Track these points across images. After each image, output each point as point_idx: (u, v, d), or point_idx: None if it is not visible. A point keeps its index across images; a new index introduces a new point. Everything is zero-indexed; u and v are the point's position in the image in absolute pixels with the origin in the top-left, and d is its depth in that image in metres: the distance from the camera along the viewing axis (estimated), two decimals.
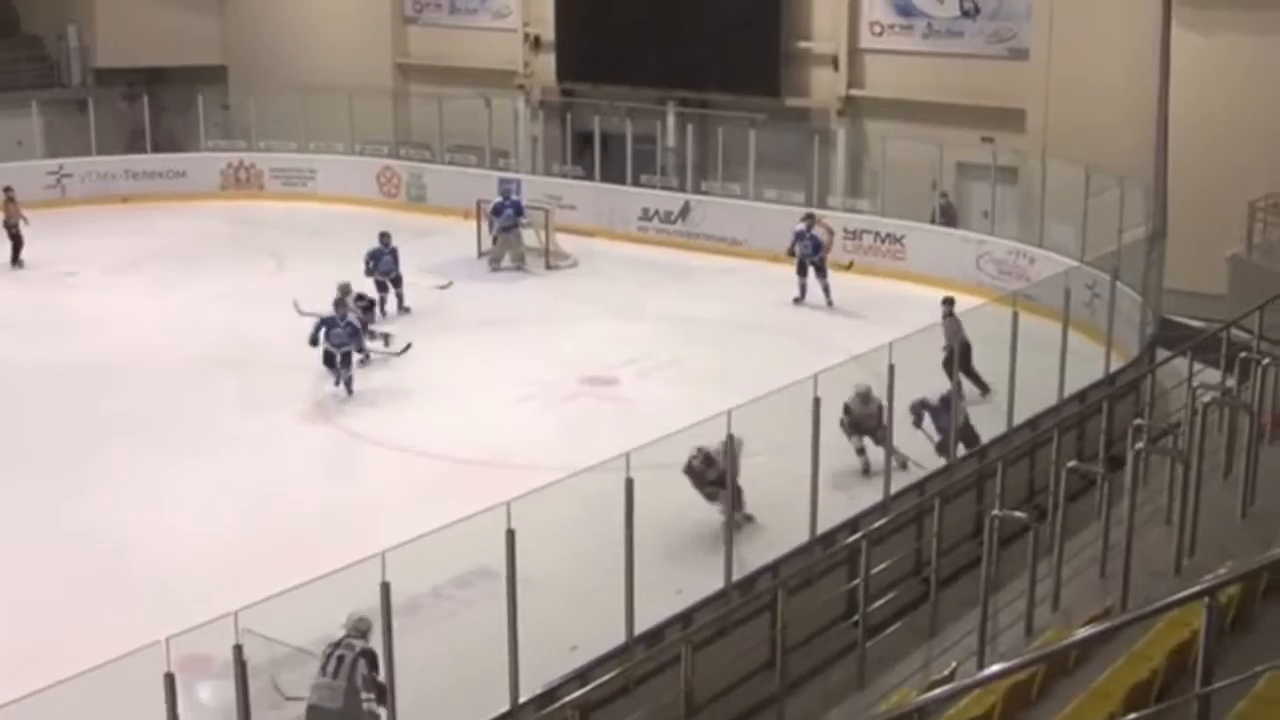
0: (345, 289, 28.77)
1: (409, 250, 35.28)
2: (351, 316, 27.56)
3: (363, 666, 14.49)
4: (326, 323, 27.12)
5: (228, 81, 47.07)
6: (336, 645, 14.64)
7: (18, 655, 17.58)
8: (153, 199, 43.05)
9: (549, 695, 14.51)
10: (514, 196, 37.41)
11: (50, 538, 21.75)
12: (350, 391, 27.06)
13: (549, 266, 36.29)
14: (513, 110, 43.40)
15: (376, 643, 13.89)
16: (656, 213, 38.93)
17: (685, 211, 38.42)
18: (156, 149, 44.71)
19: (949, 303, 24.37)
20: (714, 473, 19.04)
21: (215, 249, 38.25)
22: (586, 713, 14.10)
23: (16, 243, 36.84)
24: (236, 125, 45.63)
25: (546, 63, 43.02)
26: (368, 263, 32.31)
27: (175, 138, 45.47)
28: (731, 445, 17.78)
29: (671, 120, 40.49)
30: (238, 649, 12.28)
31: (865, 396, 20.77)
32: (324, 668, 14.54)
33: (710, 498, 19.15)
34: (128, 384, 28.03)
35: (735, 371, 26.26)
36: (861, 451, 21.41)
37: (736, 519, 18.43)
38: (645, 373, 28.15)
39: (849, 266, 31.58)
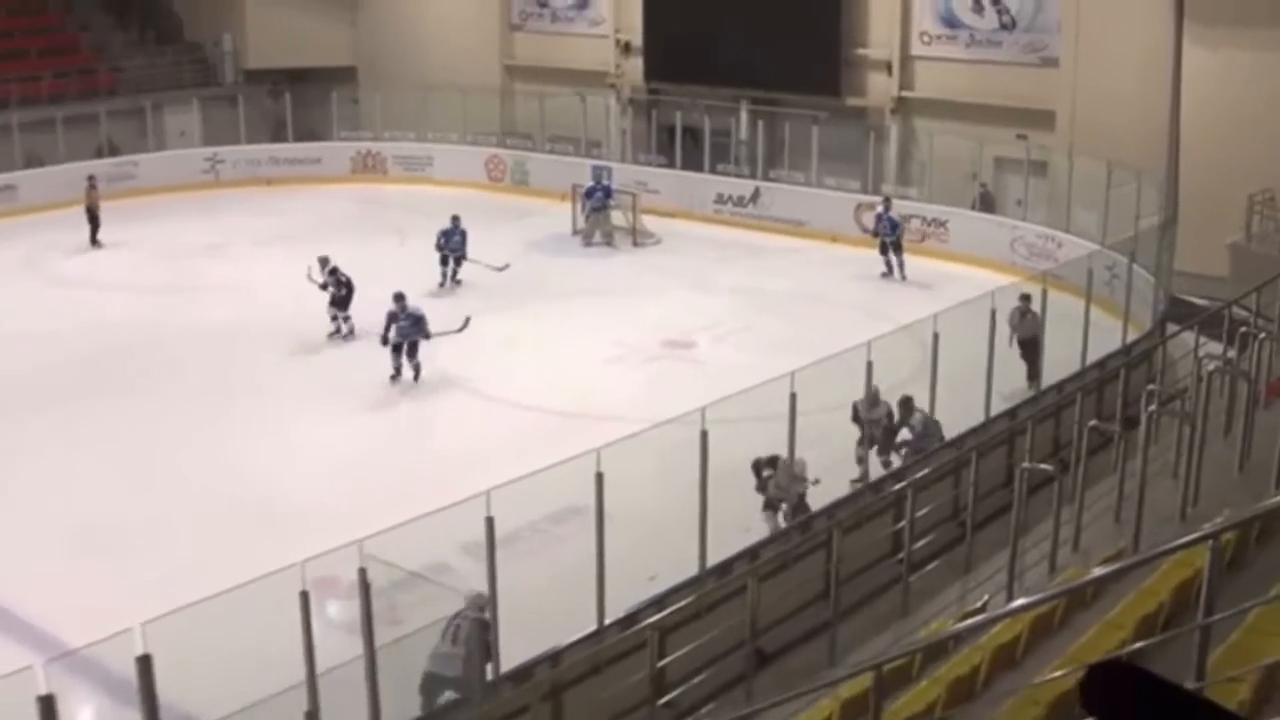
0: (324, 261, 29.21)
1: (514, 228, 35.49)
2: (412, 307, 26.20)
3: (478, 634, 14.14)
4: (391, 317, 26.04)
5: (357, 80, 47.15)
6: (455, 616, 14.16)
7: (172, 571, 17.79)
8: (292, 182, 43.29)
9: (630, 618, 14.52)
10: (604, 181, 37.41)
11: (196, 473, 21.99)
12: (418, 377, 25.97)
13: (635, 244, 36.28)
14: (605, 106, 43.27)
15: (483, 576, 13.86)
16: (730, 197, 38.85)
17: (755, 196, 38.34)
18: (296, 139, 45.01)
19: (1025, 299, 23.24)
20: (771, 481, 18.41)
21: (345, 226, 38.38)
22: (664, 634, 14.11)
23: (95, 225, 36.99)
24: (364, 118, 45.74)
25: (635, 65, 42.90)
26: (439, 239, 32.45)
27: (312, 129, 45.64)
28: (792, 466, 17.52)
29: (744, 116, 40.29)
30: (362, 572, 12.33)
31: (874, 399, 19.76)
32: (444, 635, 14.15)
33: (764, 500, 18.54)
34: (268, 343, 28.23)
35: (799, 338, 26.18)
36: (862, 461, 19.78)
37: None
38: (719, 338, 28.10)
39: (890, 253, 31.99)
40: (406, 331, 25.95)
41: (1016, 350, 22.75)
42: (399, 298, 26.22)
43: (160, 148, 44.22)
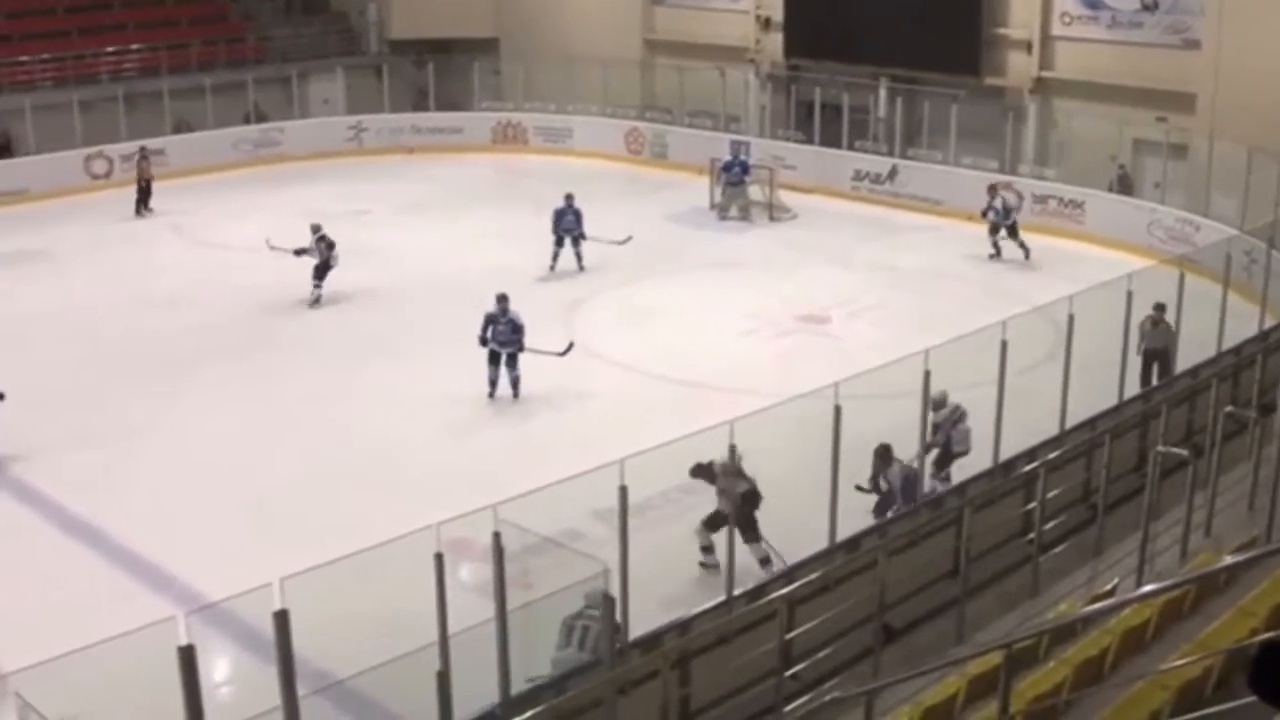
0: (315, 229, 29.42)
1: (652, 201, 35.56)
2: (513, 312, 23.79)
3: (605, 640, 13.61)
4: (489, 320, 23.81)
5: (499, 51, 47.37)
6: (577, 617, 13.80)
7: (310, 529, 18.09)
8: (433, 150, 43.71)
9: (759, 590, 14.52)
10: (742, 157, 37.30)
11: (336, 433, 22.34)
12: (517, 394, 23.83)
13: (772, 218, 36.20)
14: (744, 81, 43.18)
15: (614, 543, 13.86)
16: (867, 174, 38.64)
17: (893, 174, 38.12)
18: (438, 108, 45.48)
19: (1160, 309, 21.99)
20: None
21: (485, 195, 38.72)
22: (792, 607, 14.12)
23: (144, 195, 37.73)
24: (506, 89, 46.05)
25: (775, 41, 42.72)
26: (553, 220, 31.19)
27: (454, 99, 45.98)
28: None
29: (883, 94, 40.00)
30: (496, 536, 12.43)
31: (940, 401, 18.96)
32: (568, 639, 13.80)
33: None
34: (407, 306, 28.59)
35: (932, 316, 26.03)
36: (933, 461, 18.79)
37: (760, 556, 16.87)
38: (853, 314, 28.02)
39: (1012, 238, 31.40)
40: (505, 338, 23.77)
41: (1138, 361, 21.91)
42: (501, 299, 23.95)
43: (305, 115, 44.85)
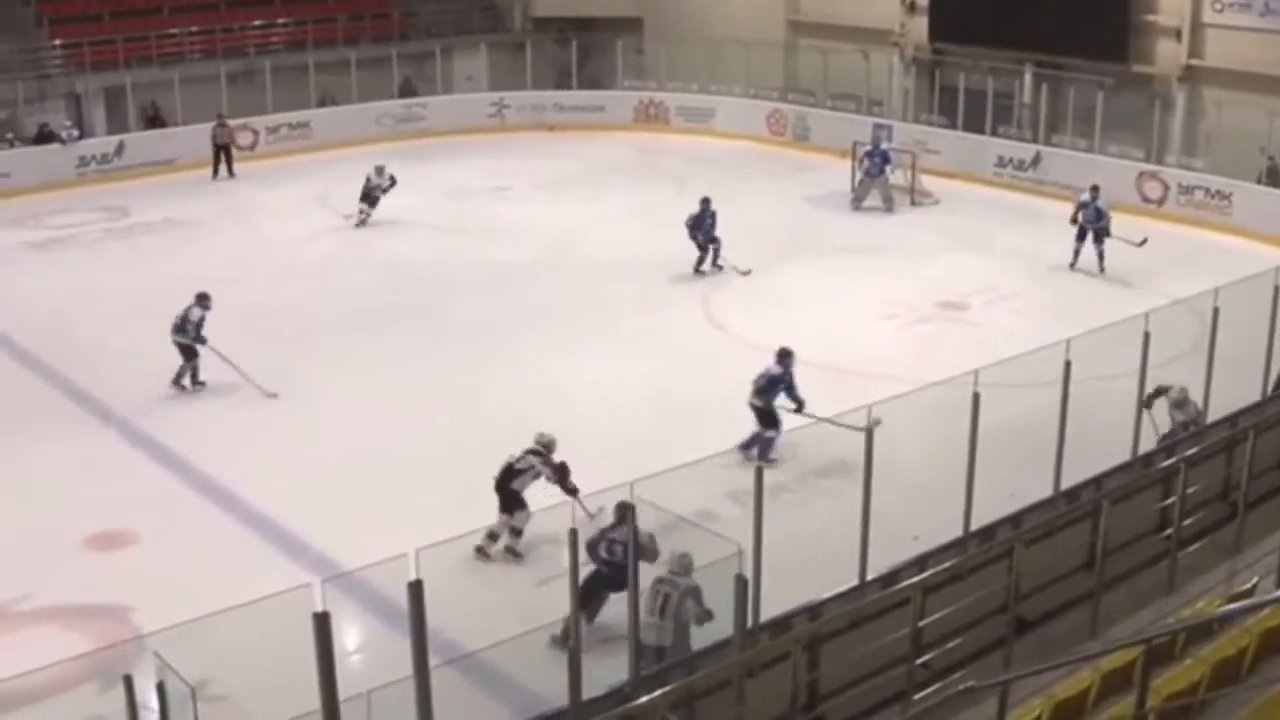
0: (380, 169, 33.74)
1: (794, 183, 35.51)
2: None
3: (691, 604, 13.97)
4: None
5: (643, 31, 47.47)
6: (660, 582, 14.02)
7: (447, 500, 18.31)
8: (575, 128, 43.90)
9: (892, 577, 14.47)
10: (883, 146, 36.99)
11: (476, 406, 22.58)
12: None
13: (913, 203, 35.98)
14: (888, 64, 42.82)
15: (748, 524, 13.87)
16: (1010, 160, 38.25)
17: (1036, 161, 37.69)
18: (580, 86, 45.68)
19: None
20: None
21: (626, 173, 38.86)
22: (925, 594, 14.06)
23: (223, 159, 38.99)
24: (649, 68, 46.12)
25: (920, 24, 42.35)
26: (688, 226, 29.80)
27: (596, 77, 46.18)
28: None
29: (1028, 79, 39.58)
30: (632, 510, 12.49)
31: (1180, 400, 18.83)
32: (651, 607, 13.87)
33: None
34: (545, 282, 28.84)
35: (1072, 306, 25.83)
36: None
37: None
38: (992, 301, 27.78)
39: (1142, 244, 30.02)
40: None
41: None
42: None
43: (448, 91, 45.27)
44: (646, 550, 13.85)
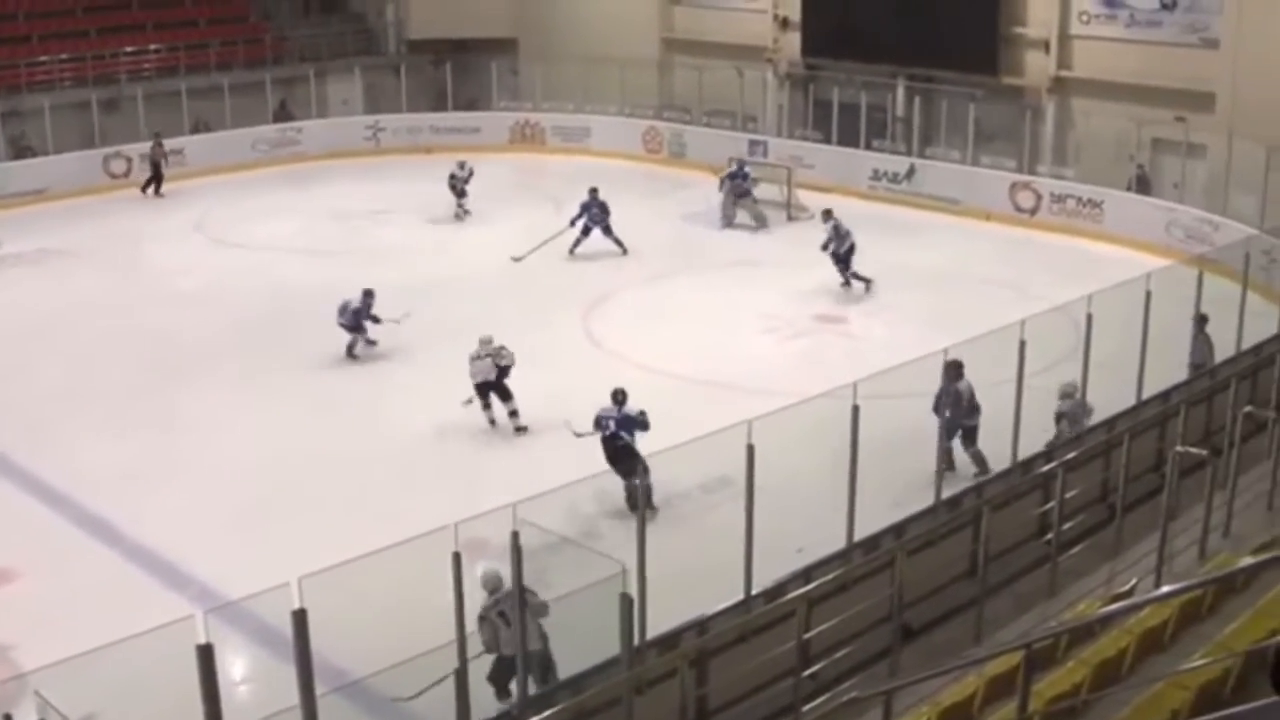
0: (462, 164, 36.21)
1: (671, 200, 35.61)
2: (630, 409, 19.99)
3: (534, 600, 13.97)
4: (599, 423, 20.06)
5: (518, 51, 47.44)
6: (495, 605, 14.19)
7: (328, 529, 18.11)
8: (451, 150, 43.50)
9: (778, 590, 14.50)
10: (745, 169, 36.63)
11: (355, 433, 22.38)
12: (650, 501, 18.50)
13: (790, 218, 36.14)
14: (762, 80, 43.13)
15: (631, 542, 13.81)
16: (885, 173, 38.62)
17: (911, 173, 38.09)
18: (456, 108, 45.56)
19: (1202, 321, 21.31)
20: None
21: (504, 194, 38.72)
22: (810, 606, 14.11)
23: (158, 177, 39.29)
24: (524, 89, 46.09)
25: (793, 40, 42.66)
26: (580, 210, 32.39)
27: (472, 99, 46.09)
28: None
29: (901, 93, 39.98)
30: (515, 535, 12.44)
31: (1069, 392, 19.43)
32: (508, 622, 13.99)
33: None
34: (432, 302, 28.57)
35: (950, 315, 25.98)
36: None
37: None
38: (871, 313, 28.00)
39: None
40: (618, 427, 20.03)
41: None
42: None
43: (323, 115, 44.90)
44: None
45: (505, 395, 22.74)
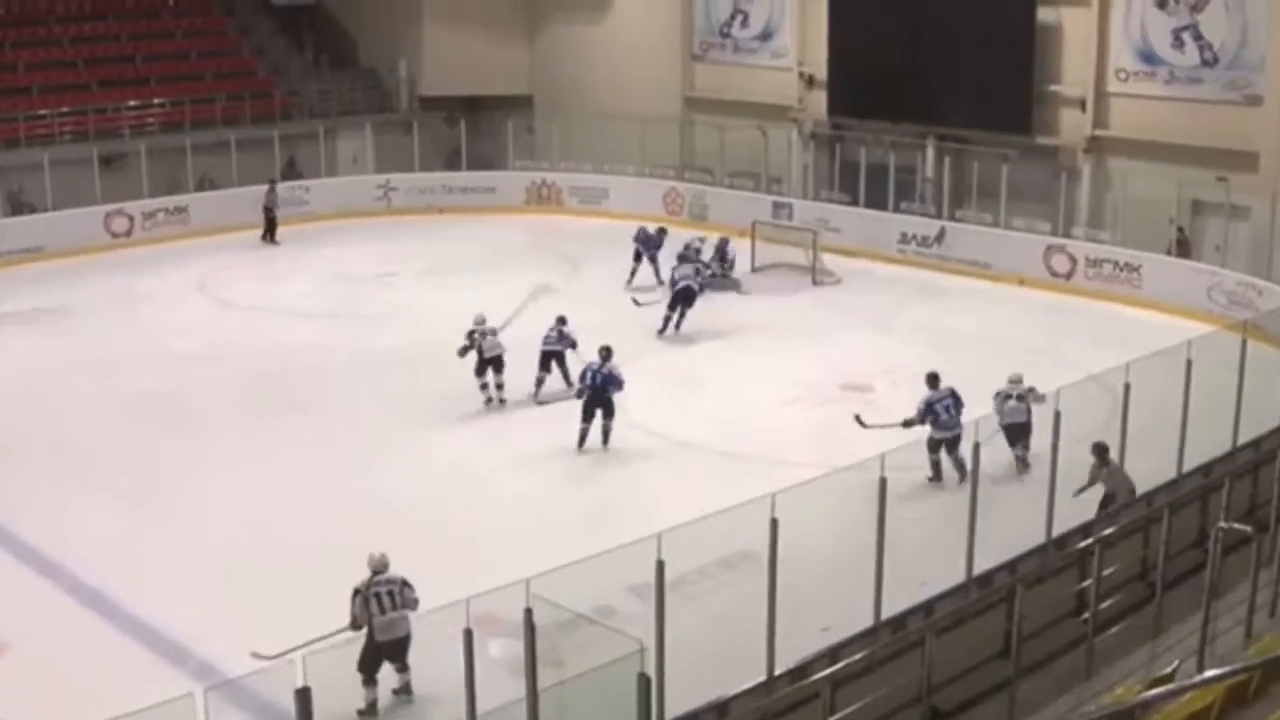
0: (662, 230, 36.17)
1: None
2: (612, 365, 24.71)
3: (410, 593, 16.01)
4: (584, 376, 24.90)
5: (534, 109, 47.70)
6: (375, 585, 15.98)
7: (333, 599, 18.03)
8: (465, 210, 43.87)
9: (801, 670, 14.40)
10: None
11: (363, 501, 22.30)
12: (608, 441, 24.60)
13: (815, 282, 36.15)
14: (787, 140, 43.20)
15: (649, 619, 13.77)
16: (914, 236, 38.65)
17: (941, 236, 38.09)
18: (470, 167, 45.73)
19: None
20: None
21: (519, 256, 38.80)
22: (836, 687, 14.00)
23: (271, 223, 40.51)
24: (540, 148, 46.24)
25: (819, 99, 42.82)
26: (638, 238, 35.38)
27: (487, 157, 46.24)
28: None
29: (930, 153, 40.06)
30: (528, 612, 12.39)
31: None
32: (381, 606, 15.87)
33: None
34: (441, 369, 28.51)
35: (982, 384, 25.88)
36: (937, 465, 22.31)
37: None
38: (898, 382, 27.74)
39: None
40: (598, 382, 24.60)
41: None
42: (604, 353, 24.84)
43: (332, 173, 45.14)
44: None
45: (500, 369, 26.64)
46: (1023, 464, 22.31)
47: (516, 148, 46.10)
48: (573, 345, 26.85)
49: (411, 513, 21.69)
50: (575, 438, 24.51)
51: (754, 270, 36.74)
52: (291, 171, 44.62)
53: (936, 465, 22.73)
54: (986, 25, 38.43)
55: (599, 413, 24.42)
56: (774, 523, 14.07)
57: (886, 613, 15.48)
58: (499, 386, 26.64)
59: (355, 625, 15.91)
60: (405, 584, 16.10)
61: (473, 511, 21.95)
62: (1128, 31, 36.78)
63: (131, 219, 40.52)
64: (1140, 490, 19.17)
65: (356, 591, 15.99)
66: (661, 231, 35.99)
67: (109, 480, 23.25)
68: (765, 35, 44.60)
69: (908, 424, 22.45)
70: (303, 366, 29.15)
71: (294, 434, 25.45)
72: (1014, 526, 18.51)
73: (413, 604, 15.98)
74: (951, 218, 38.56)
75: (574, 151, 45.11)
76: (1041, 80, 38.12)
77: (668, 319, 30.91)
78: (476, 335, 26.53)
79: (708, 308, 33.21)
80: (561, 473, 23.54)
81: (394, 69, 49.65)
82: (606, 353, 24.72)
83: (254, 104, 45.82)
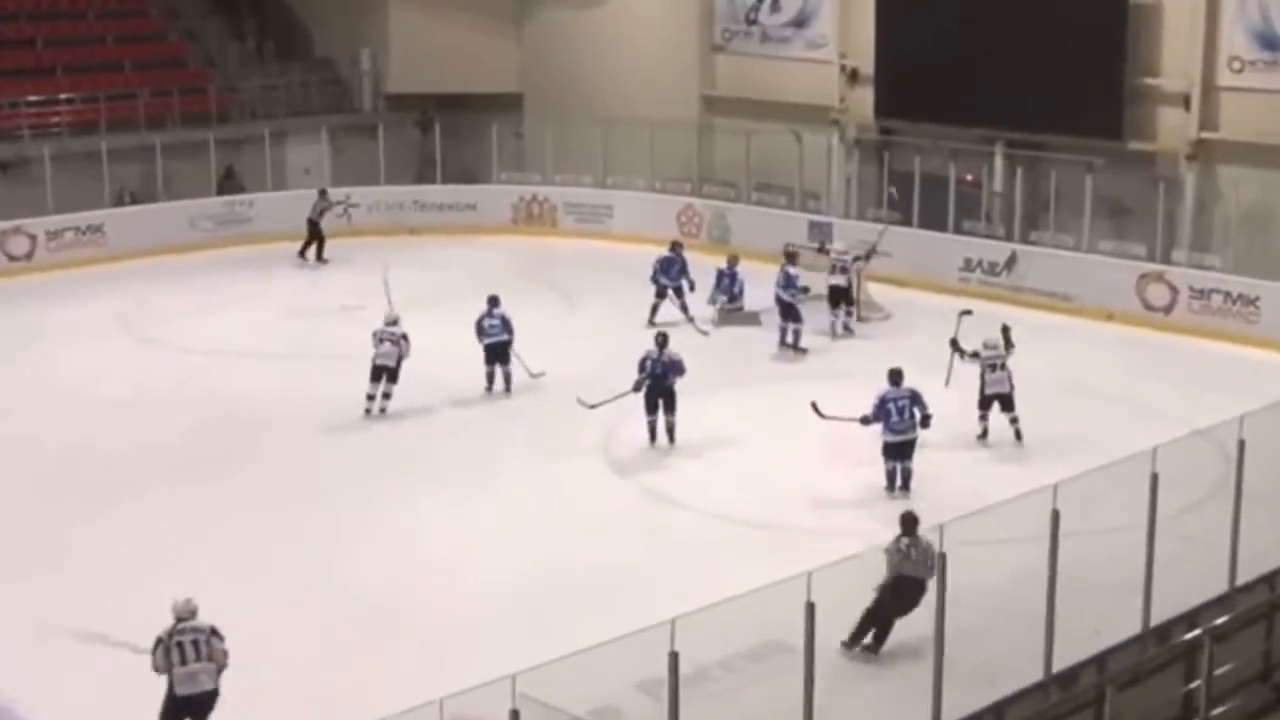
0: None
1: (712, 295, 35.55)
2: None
3: (218, 643, 16.63)
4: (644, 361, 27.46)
5: (523, 110, 47.75)
6: (179, 633, 16.57)
7: (283, 693, 17.90)
8: (441, 231, 43.88)
9: None
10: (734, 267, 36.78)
11: (316, 576, 22.22)
12: (673, 439, 27.45)
13: (859, 319, 35.98)
14: (826, 148, 43.18)
15: (646, 715, 13.71)
16: (980, 263, 38.46)
17: (1011, 262, 37.90)
18: (447, 180, 45.74)
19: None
20: None
21: (504, 286, 38.60)
22: None
23: (318, 238, 41.22)
24: (531, 156, 46.26)
25: (864, 97, 42.86)
26: (657, 267, 35.57)
27: (467, 168, 46.29)
28: None
29: (999, 162, 40.03)
30: (514, 715, 12.28)
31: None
32: (184, 657, 16.50)
33: None
34: (410, 422, 28.52)
35: (1060, 439, 25.85)
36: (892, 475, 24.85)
37: None
38: (961, 437, 27.70)
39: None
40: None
41: None
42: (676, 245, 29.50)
43: (280, 186, 45.07)
44: None
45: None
46: (1018, 434, 27.00)
47: (502, 156, 46.07)
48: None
49: (377, 596, 21.55)
50: (574, 493, 25.05)
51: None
52: (229, 184, 44.58)
53: (892, 475, 25.04)
54: (1068, 6, 38.51)
55: (661, 405, 27.30)
56: (810, 607, 13.96)
57: (949, 716, 15.35)
58: (386, 396, 29.07)
59: (159, 671, 16.71)
60: (214, 632, 16.65)
61: (450, 593, 21.78)
62: (1244, 11, 36.42)
63: (33, 239, 40.43)
64: (1260, 570, 19.00)
65: (159, 640, 16.60)
66: (677, 248, 36.43)
67: (11, 554, 23.06)
68: (800, 21, 44.65)
69: (865, 421, 24.78)
70: (249, 420, 28.99)
71: (239, 501, 25.23)
72: (1103, 614, 18.42)
73: (220, 656, 16.61)
74: (1025, 240, 38.43)
75: (571, 161, 45.08)
76: (1135, 73, 37.94)
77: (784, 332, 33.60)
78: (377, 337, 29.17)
79: (723, 348, 33.15)
80: (558, 544, 23.36)
81: (355, 61, 49.78)
82: (663, 339, 27.88)
83: (184, 101, 45.74)
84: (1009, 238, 38.75)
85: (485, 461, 26.56)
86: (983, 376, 27.05)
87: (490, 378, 30.29)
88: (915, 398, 24.93)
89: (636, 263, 36.15)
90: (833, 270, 34.80)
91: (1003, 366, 27.06)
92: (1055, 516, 16.77)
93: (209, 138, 44.06)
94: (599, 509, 24.71)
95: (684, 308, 35.22)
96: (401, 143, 46.70)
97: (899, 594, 18.21)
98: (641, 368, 27.33)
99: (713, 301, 35.80)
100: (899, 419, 24.76)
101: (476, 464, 26.49)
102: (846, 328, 34.58)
